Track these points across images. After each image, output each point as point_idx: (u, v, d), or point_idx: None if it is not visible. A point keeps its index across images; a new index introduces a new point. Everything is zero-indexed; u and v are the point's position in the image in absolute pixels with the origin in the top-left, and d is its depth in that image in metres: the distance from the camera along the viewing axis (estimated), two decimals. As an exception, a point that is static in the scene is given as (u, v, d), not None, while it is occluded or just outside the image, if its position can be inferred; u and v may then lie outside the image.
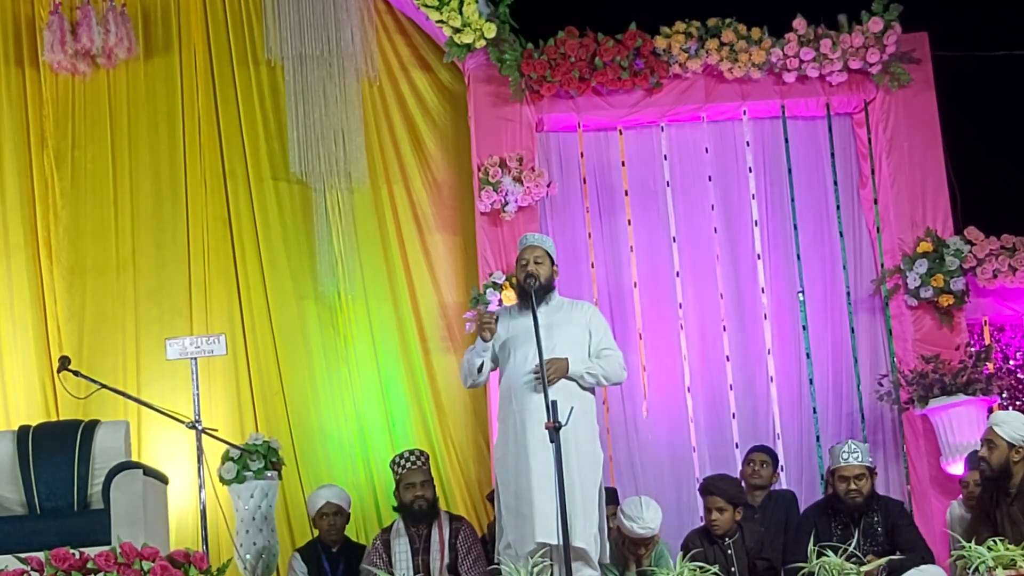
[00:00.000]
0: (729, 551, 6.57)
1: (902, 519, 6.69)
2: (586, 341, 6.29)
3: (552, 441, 5.55)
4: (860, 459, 6.63)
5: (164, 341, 7.21)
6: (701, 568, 5.79)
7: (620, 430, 8.39)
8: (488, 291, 8.07)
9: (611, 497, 6.92)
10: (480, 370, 6.30)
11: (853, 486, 6.59)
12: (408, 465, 7.00)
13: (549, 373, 5.94)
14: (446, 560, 6.83)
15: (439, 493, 8.22)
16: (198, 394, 7.07)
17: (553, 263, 6.36)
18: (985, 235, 8.25)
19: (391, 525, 7.05)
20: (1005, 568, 5.53)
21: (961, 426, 7.75)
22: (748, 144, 8.69)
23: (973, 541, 5.78)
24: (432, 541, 6.86)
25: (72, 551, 5.15)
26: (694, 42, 8.48)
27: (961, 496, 7.08)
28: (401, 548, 6.88)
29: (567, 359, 6.11)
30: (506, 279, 8.07)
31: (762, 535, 6.72)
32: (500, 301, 7.98)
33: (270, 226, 8.68)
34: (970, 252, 8.18)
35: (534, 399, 5.98)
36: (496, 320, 6.21)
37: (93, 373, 7.34)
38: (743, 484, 7.22)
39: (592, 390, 6.29)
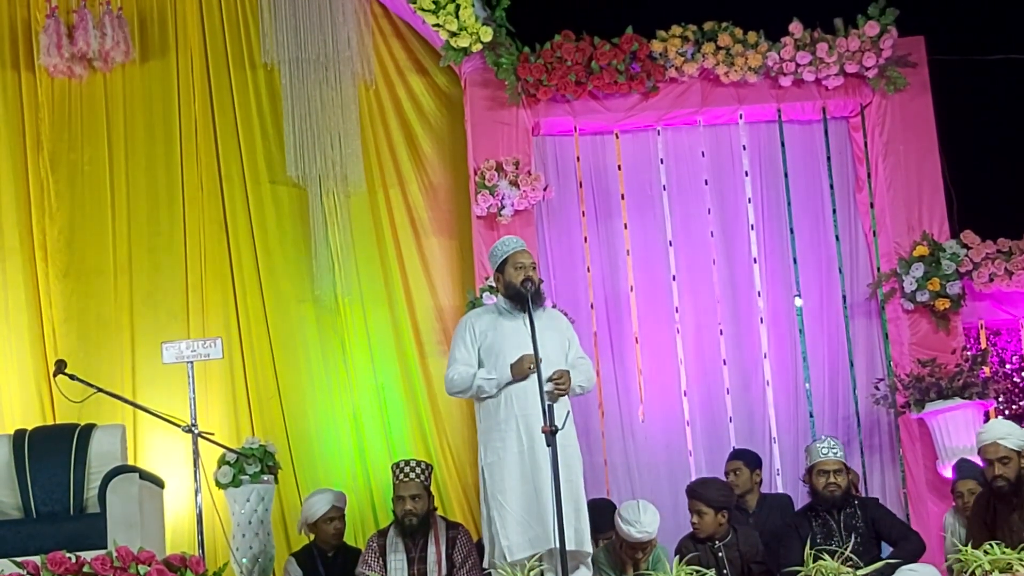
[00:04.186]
0: (720, 554, 6.57)
1: (880, 511, 6.79)
2: (566, 349, 6.36)
3: (548, 445, 5.56)
4: (838, 455, 6.75)
5: (160, 345, 7.23)
6: (698, 571, 5.79)
7: (616, 434, 8.39)
8: (484, 295, 8.06)
9: (608, 515, 6.87)
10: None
11: (832, 480, 6.67)
12: (402, 476, 6.92)
13: (563, 385, 6.01)
14: (443, 572, 6.79)
15: (437, 497, 8.23)
16: (194, 398, 7.09)
17: None
18: (981, 239, 8.27)
19: (387, 528, 7.02)
20: (1002, 572, 5.54)
21: (957, 430, 7.75)
22: (744, 148, 8.69)
23: (970, 545, 5.80)
24: (428, 552, 6.83)
25: (68, 555, 5.15)
26: (690, 46, 8.49)
27: (955, 505, 7.08)
28: (397, 558, 6.84)
29: (568, 370, 6.13)
30: (500, 282, 8.05)
31: (757, 539, 6.72)
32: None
33: (266, 230, 8.68)
34: (966, 256, 8.19)
35: (539, 405, 5.96)
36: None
37: (89, 377, 7.32)
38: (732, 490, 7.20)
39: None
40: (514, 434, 6.12)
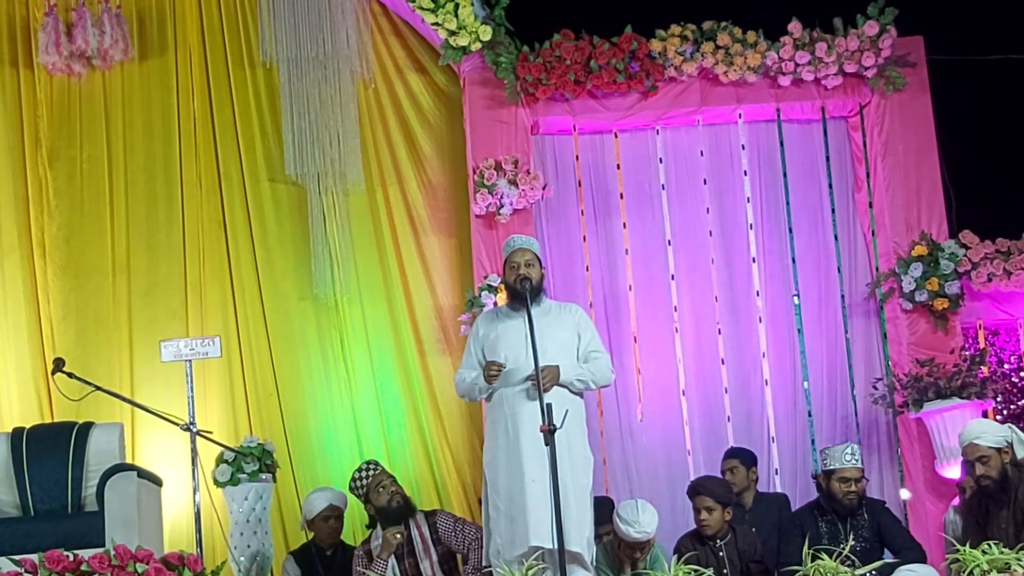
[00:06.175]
0: (721, 553, 6.57)
1: (887, 517, 6.80)
2: (575, 344, 6.31)
3: (547, 444, 5.55)
4: (859, 462, 6.74)
5: (158, 343, 7.22)
6: (696, 571, 5.79)
7: (615, 433, 8.39)
8: (483, 294, 8.06)
9: (607, 511, 6.87)
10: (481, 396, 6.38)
11: (853, 488, 6.69)
12: (372, 473, 6.96)
13: (545, 380, 5.94)
14: (434, 557, 6.80)
15: (435, 495, 8.25)
16: (192, 396, 7.09)
17: (541, 265, 6.37)
18: (980, 239, 8.26)
19: (369, 537, 7.01)
20: (1000, 572, 5.53)
21: (956, 429, 7.69)
22: (743, 147, 8.69)
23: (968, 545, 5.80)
24: (415, 544, 6.83)
25: (66, 553, 5.13)
26: (689, 45, 8.49)
27: (957, 501, 7.07)
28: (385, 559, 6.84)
29: (559, 366, 6.10)
30: (501, 281, 8.07)
31: (755, 537, 6.72)
32: (495, 304, 7.97)
33: (265, 228, 8.68)
34: (965, 256, 8.19)
35: (527, 402, 6.01)
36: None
37: (87, 375, 7.33)
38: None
39: (581, 394, 6.29)
40: (502, 431, 6.15)
